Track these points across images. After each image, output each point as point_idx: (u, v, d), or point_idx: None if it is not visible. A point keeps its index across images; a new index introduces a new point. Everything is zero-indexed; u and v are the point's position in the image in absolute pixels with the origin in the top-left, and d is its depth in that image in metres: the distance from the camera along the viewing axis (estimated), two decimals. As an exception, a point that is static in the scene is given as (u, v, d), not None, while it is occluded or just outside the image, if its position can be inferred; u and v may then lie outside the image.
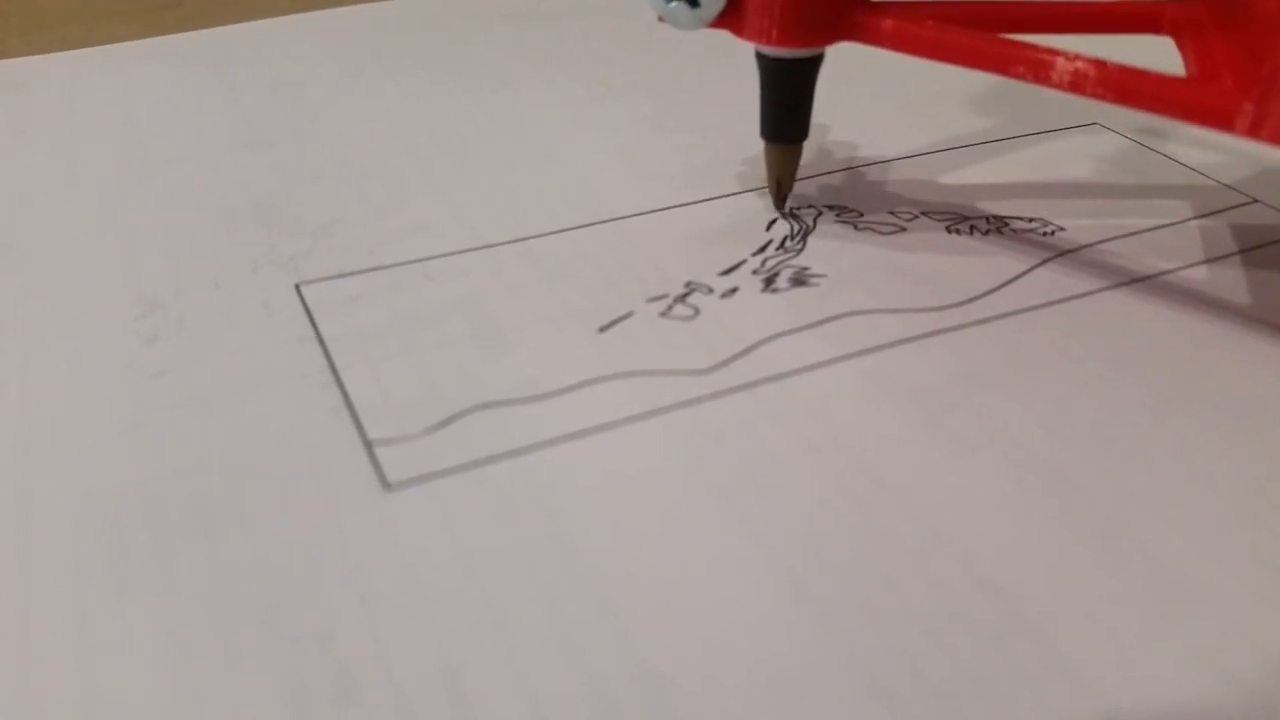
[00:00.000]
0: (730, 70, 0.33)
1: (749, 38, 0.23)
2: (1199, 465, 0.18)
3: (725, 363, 0.21)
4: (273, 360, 0.20)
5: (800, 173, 0.27)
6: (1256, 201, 0.26)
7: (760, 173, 0.26)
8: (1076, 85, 0.20)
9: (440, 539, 0.17)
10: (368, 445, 0.18)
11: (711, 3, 0.22)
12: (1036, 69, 0.20)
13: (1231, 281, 0.23)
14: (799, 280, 0.23)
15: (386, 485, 0.18)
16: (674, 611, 0.16)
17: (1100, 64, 0.20)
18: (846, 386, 0.20)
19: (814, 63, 0.23)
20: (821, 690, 0.15)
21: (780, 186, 0.25)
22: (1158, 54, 0.21)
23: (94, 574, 0.16)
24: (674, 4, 0.22)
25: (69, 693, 0.15)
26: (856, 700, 0.15)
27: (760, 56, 0.23)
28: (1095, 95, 0.20)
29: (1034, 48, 0.20)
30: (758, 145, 0.25)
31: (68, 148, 0.28)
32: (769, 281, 0.23)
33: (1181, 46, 0.22)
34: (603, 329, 0.21)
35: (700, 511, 0.17)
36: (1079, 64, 0.20)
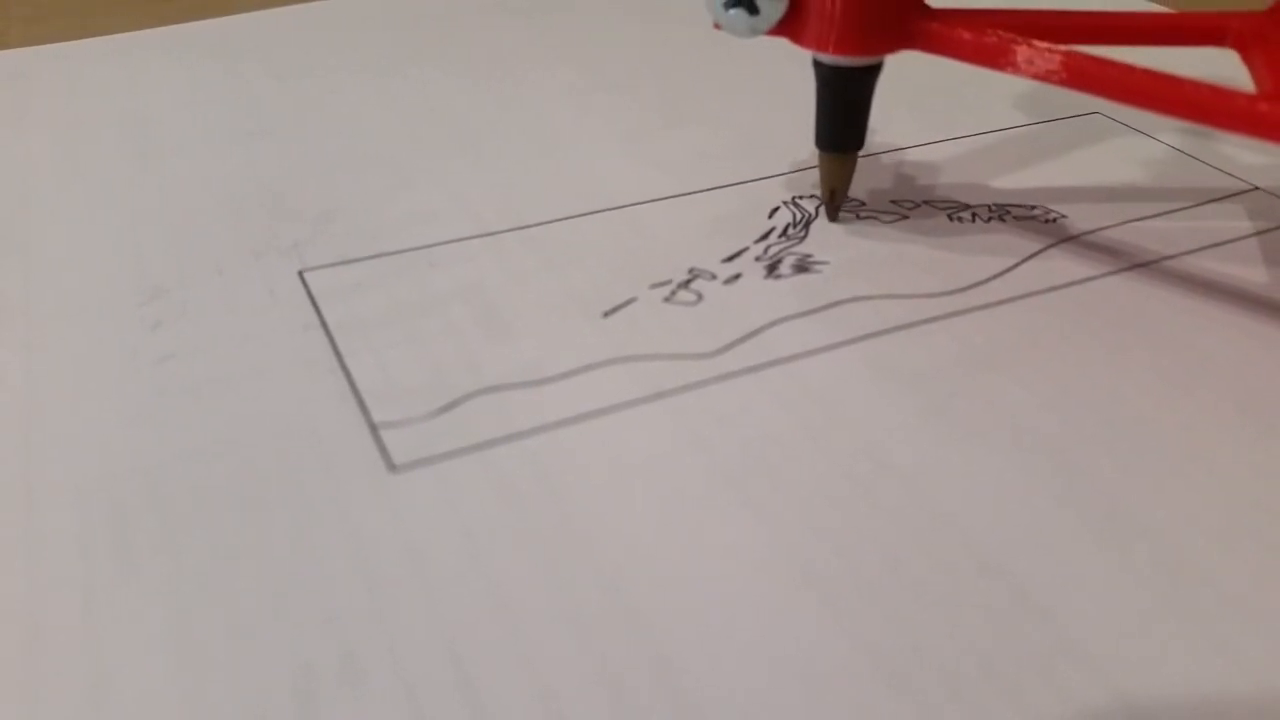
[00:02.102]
0: (733, 61, 0.33)
1: (808, 46, 0.22)
2: (1202, 448, 0.18)
3: (729, 347, 0.21)
4: (277, 346, 0.21)
5: (802, 163, 0.27)
6: (1257, 189, 0.26)
7: (763, 161, 0.26)
8: (1147, 100, 0.19)
9: (446, 520, 0.17)
10: (373, 428, 0.18)
11: (772, 10, 0.22)
12: (1106, 85, 0.20)
13: (1233, 267, 0.23)
14: (802, 267, 0.23)
15: (392, 467, 0.18)
16: (679, 593, 0.16)
17: (1173, 79, 0.19)
18: (850, 371, 0.20)
19: (873, 72, 0.23)
20: (828, 671, 0.15)
21: (834, 196, 0.24)
22: (1217, 67, 0.21)
23: (100, 558, 0.16)
24: (733, 11, 0.22)
25: (76, 676, 0.15)
26: (863, 681, 0.15)
27: (818, 65, 0.23)
28: (1162, 110, 0.19)
29: (1107, 62, 0.20)
30: (760, 135, 0.25)
31: (70, 137, 0.28)
32: (772, 268, 0.23)
33: (1248, 60, 0.22)
34: (606, 314, 0.22)
35: (705, 494, 0.17)
36: (1152, 79, 0.19)
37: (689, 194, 0.26)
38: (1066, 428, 0.19)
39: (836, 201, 0.25)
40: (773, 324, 0.21)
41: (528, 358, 0.20)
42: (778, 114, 0.30)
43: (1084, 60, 0.20)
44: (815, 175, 0.26)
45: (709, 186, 0.26)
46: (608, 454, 0.18)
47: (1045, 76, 0.20)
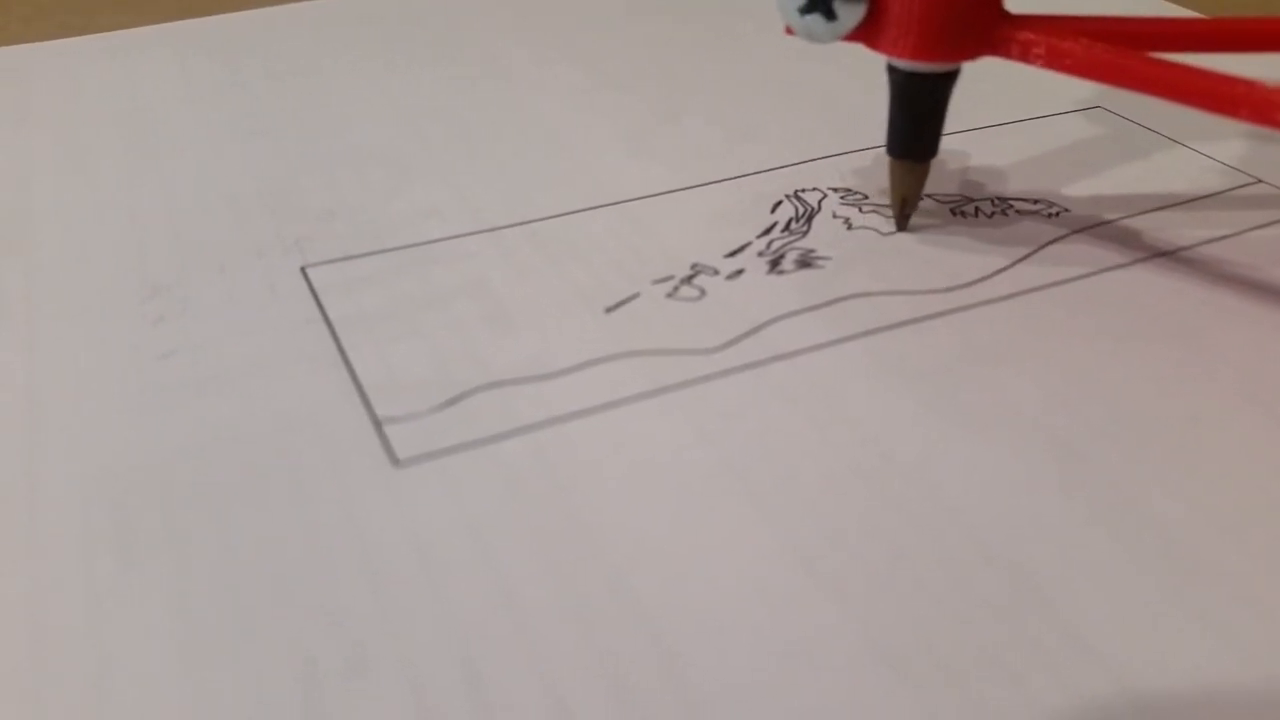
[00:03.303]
0: (733, 56, 0.33)
1: (885, 51, 0.22)
2: (1207, 440, 0.18)
3: (732, 342, 0.21)
4: (280, 341, 0.20)
5: (805, 155, 0.27)
6: (1260, 181, 0.26)
7: (765, 156, 0.26)
8: (1259, 114, 0.19)
9: (450, 514, 0.17)
10: (376, 424, 0.18)
11: (850, 15, 0.21)
12: (1208, 98, 0.19)
13: (1236, 260, 0.23)
14: (805, 262, 0.23)
15: (396, 462, 0.18)
16: (685, 586, 0.16)
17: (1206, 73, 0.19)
18: (854, 366, 0.20)
19: (950, 78, 0.22)
20: (833, 663, 0.15)
21: (905, 205, 0.24)
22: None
23: (103, 554, 0.16)
24: (810, 16, 0.21)
25: (80, 672, 0.15)
26: (869, 673, 0.15)
27: (893, 70, 0.23)
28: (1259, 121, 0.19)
29: (1199, 72, 0.20)
30: (762, 129, 0.25)
31: (70, 134, 0.28)
32: (775, 263, 0.23)
33: None
34: (609, 310, 0.21)
35: (710, 487, 0.17)
36: (1257, 89, 0.19)
37: (691, 188, 0.26)
38: (1072, 421, 0.19)
39: (907, 210, 0.24)
40: (776, 320, 0.21)
41: (531, 353, 0.20)
42: (779, 109, 0.30)
43: (1161, 67, 0.20)
44: (817, 169, 0.26)
45: (710, 181, 0.26)
46: (612, 449, 0.18)
47: (1119, 82, 0.20)
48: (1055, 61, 0.21)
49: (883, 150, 0.24)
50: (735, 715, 0.14)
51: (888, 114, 0.23)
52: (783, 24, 0.22)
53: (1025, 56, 0.21)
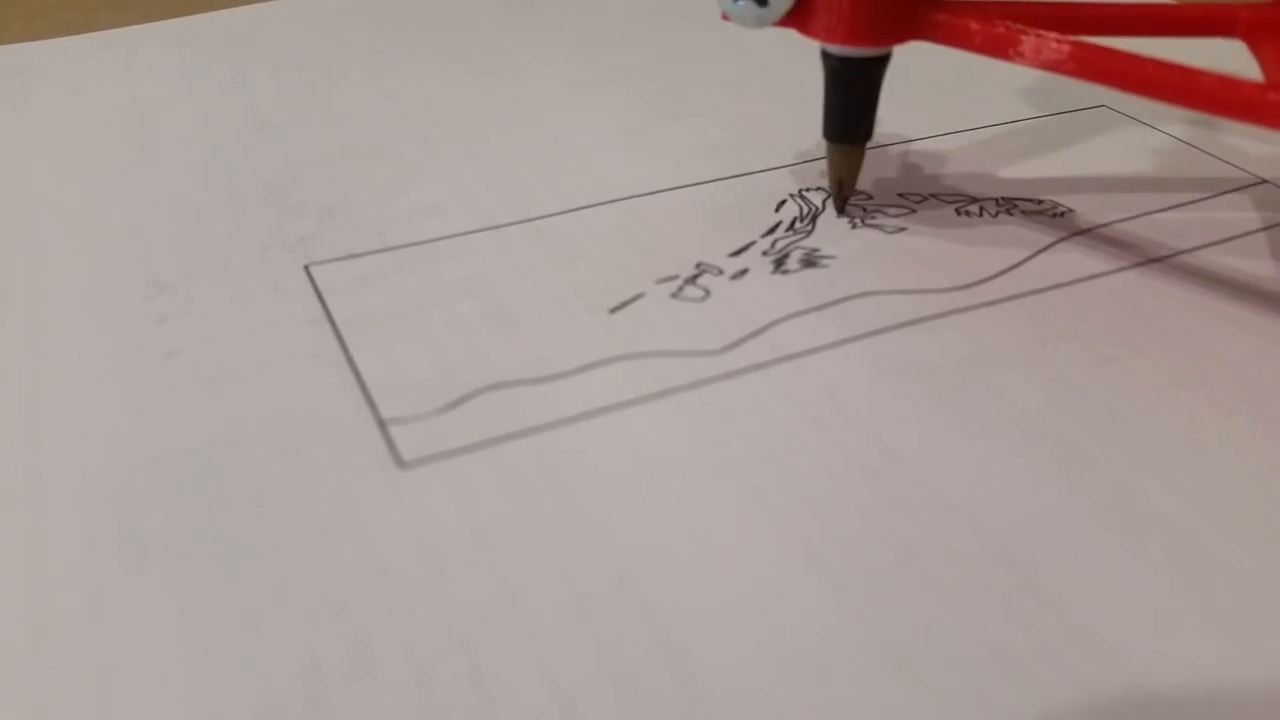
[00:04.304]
0: (735, 53, 0.33)
1: (816, 36, 0.22)
2: (1211, 441, 0.18)
3: (737, 343, 0.21)
4: (284, 340, 0.20)
5: (808, 155, 0.27)
6: (1265, 182, 0.26)
7: (767, 155, 0.26)
8: (1156, 90, 0.19)
9: (455, 516, 0.17)
10: (381, 424, 0.18)
11: (779, 1, 0.22)
12: (1114, 75, 0.20)
13: (1241, 262, 0.23)
14: (809, 262, 0.23)
15: (401, 463, 0.18)
16: (690, 586, 0.16)
17: (1181, 69, 0.19)
18: (858, 366, 0.20)
19: (881, 62, 0.23)
20: (840, 662, 0.15)
21: (842, 187, 0.24)
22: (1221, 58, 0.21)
23: (106, 552, 0.16)
24: (741, 3, 0.22)
25: (83, 669, 0.14)
26: (875, 670, 0.15)
27: (826, 56, 0.23)
28: (1170, 100, 0.19)
29: (1115, 52, 0.20)
30: (765, 127, 0.25)
31: (72, 132, 0.28)
32: (779, 263, 0.23)
33: (1256, 51, 0.22)
34: (613, 310, 0.21)
35: (714, 488, 0.17)
36: (1161, 69, 0.19)
37: (694, 185, 0.26)
38: (1076, 421, 0.19)
39: (845, 193, 0.24)
40: (780, 320, 0.21)
41: (535, 354, 0.20)
42: (782, 106, 0.30)
43: (1092, 50, 0.20)
44: (821, 167, 0.26)
45: (714, 179, 0.26)
46: (616, 450, 0.18)
47: (1053, 67, 0.20)
48: (979, 45, 0.21)
49: (887, 149, 0.24)
50: (740, 714, 0.14)
51: (823, 98, 0.24)
52: (719, 10, 0.23)
53: (952, 40, 0.22)
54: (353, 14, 0.36)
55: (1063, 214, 0.25)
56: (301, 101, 0.30)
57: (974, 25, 0.21)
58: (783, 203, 0.25)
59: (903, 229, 0.24)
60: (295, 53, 0.33)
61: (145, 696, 0.14)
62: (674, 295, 0.22)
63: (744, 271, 0.23)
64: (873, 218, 0.25)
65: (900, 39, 0.22)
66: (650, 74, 0.32)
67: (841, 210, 0.25)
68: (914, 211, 0.25)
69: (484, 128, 0.29)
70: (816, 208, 0.25)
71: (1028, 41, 0.21)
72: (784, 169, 0.26)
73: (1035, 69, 0.21)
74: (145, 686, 0.14)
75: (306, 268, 0.23)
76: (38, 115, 0.29)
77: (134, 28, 0.35)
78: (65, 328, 0.21)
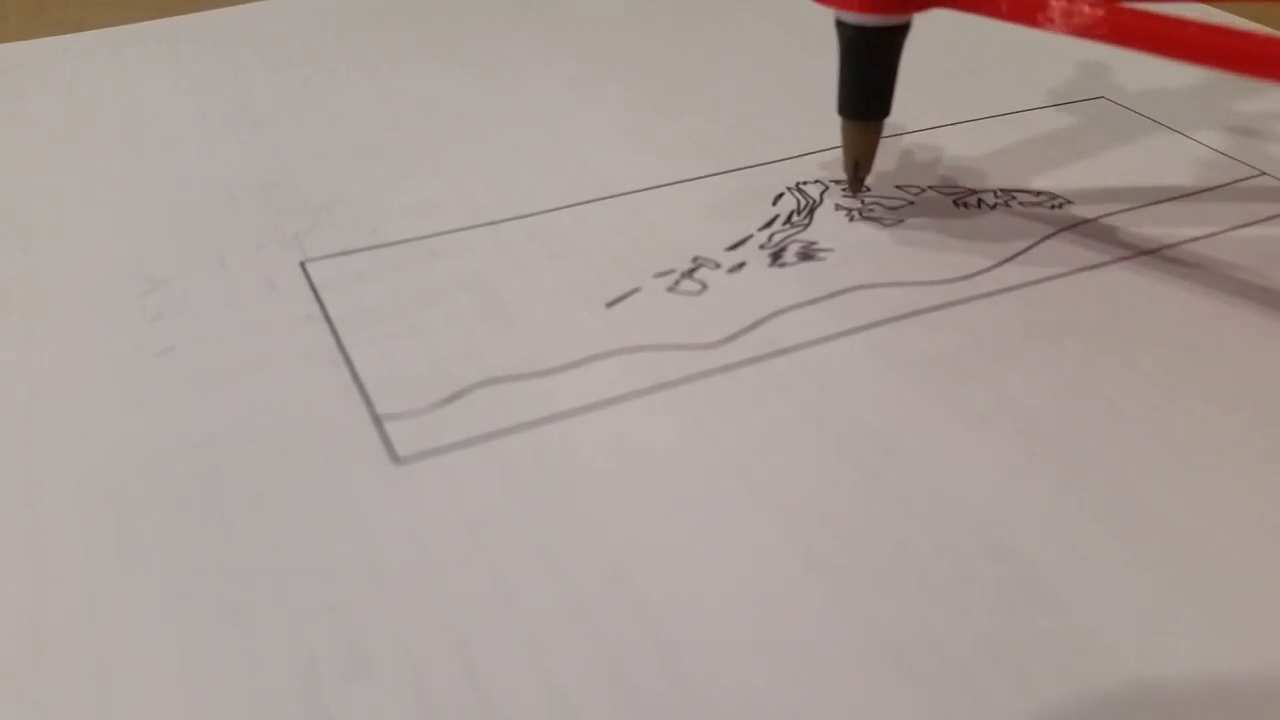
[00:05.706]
0: (732, 48, 0.33)
1: (833, 4, 0.21)
2: (1208, 435, 0.18)
3: (734, 337, 0.20)
4: (280, 337, 0.20)
5: (806, 147, 0.27)
6: (1264, 174, 0.26)
7: (765, 148, 0.25)
8: (1198, 55, 0.18)
9: (451, 511, 0.17)
10: (376, 420, 0.18)
11: None
12: (1151, 39, 0.18)
13: (1239, 254, 0.23)
14: (806, 255, 0.23)
15: (396, 459, 0.18)
16: (685, 581, 0.16)
17: (1225, 31, 0.18)
18: (855, 359, 0.20)
19: (901, 32, 0.22)
20: (836, 658, 0.15)
21: (858, 167, 0.23)
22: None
23: (103, 551, 0.16)
24: None
25: (79, 668, 0.14)
26: (871, 666, 0.15)
27: (841, 25, 0.22)
28: (1219, 65, 0.18)
29: (1152, 15, 0.19)
30: (761, 121, 0.25)
31: (68, 130, 0.28)
32: (776, 256, 0.23)
33: None
34: (609, 304, 0.21)
35: (710, 482, 0.17)
36: (1204, 31, 0.18)
37: (691, 180, 0.26)
38: (1073, 414, 0.19)
39: (860, 174, 0.24)
40: (777, 313, 0.21)
41: (531, 348, 0.20)
42: (778, 100, 0.29)
43: (1127, 14, 0.19)
44: (818, 161, 0.26)
45: (711, 173, 0.26)
46: (613, 444, 0.18)
47: (1085, 32, 0.19)
48: (1004, 11, 0.20)
49: (888, 140, 0.23)
50: (736, 710, 0.14)
51: (838, 72, 0.22)
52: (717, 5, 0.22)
53: (975, 6, 0.21)
54: (348, 11, 0.36)
55: (1061, 205, 0.25)
56: (297, 98, 0.30)
57: None
58: (780, 196, 0.25)
59: (900, 221, 0.24)
60: (290, 49, 0.33)
61: (142, 695, 0.14)
62: (671, 289, 0.22)
63: (741, 265, 0.23)
64: (870, 210, 0.24)
65: (921, 6, 0.21)
66: (647, 69, 0.32)
67: (857, 191, 0.24)
68: (912, 203, 0.25)
69: (480, 123, 0.28)
70: (814, 201, 0.25)
71: (1057, 6, 0.19)
72: (780, 163, 0.26)
73: (1066, 35, 0.20)
74: (142, 685, 0.14)
75: (302, 264, 0.22)
76: (33, 112, 0.29)
77: (130, 26, 0.35)
78: (60, 325, 0.21)
